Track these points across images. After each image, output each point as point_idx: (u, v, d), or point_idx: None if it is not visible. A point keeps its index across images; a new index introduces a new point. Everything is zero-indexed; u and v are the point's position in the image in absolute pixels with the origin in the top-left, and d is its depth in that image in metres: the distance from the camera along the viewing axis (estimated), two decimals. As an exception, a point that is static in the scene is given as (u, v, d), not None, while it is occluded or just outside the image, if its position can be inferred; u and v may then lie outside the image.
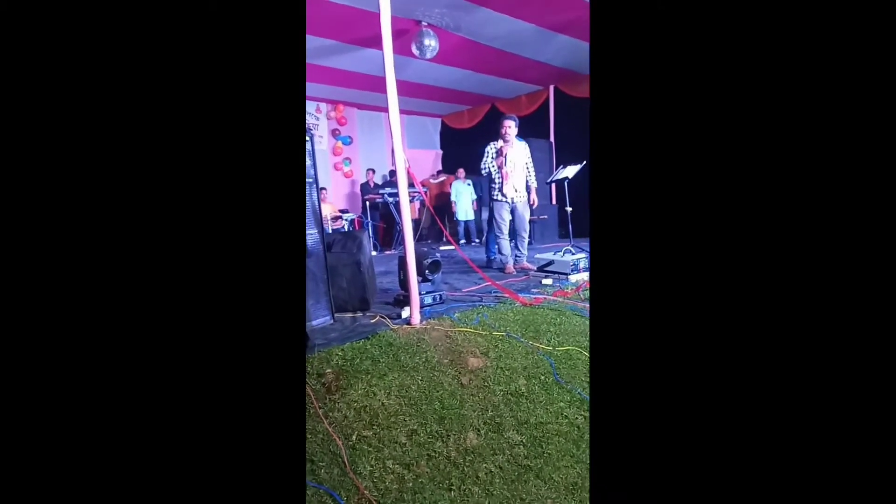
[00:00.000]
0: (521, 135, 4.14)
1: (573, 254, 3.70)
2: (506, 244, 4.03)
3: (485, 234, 4.42)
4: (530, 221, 4.33)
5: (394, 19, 2.48)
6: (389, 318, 2.62)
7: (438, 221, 4.35)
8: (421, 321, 2.54)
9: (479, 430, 1.69)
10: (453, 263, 4.57)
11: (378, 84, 2.75)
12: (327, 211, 6.14)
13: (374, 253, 5.32)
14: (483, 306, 2.86)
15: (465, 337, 2.36)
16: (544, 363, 2.14)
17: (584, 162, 4.31)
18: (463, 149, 7.99)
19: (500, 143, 3.96)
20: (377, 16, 2.40)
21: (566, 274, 3.58)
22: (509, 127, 3.89)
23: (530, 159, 4.11)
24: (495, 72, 6.14)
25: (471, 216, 7.08)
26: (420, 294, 2.65)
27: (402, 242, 2.64)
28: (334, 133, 7.83)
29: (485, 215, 7.03)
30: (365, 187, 7.23)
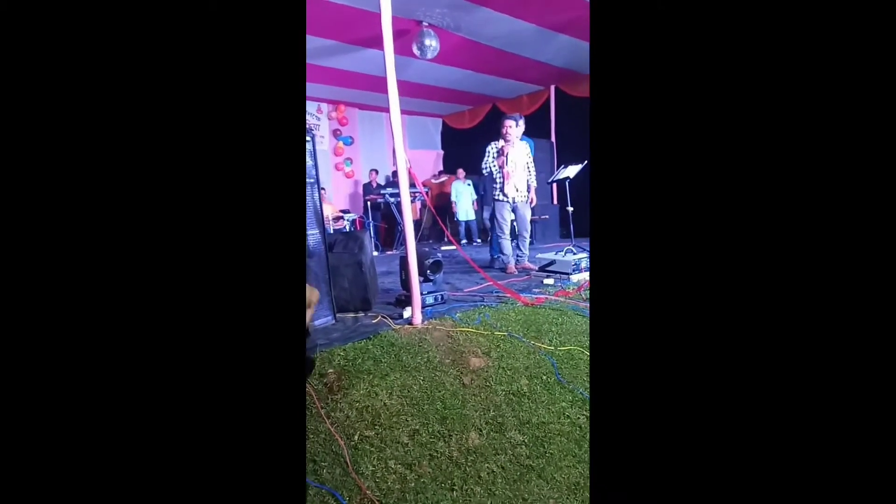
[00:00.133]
0: (523, 134, 4.14)
1: (574, 253, 3.70)
2: (507, 244, 4.03)
3: (490, 235, 4.42)
4: (531, 221, 4.33)
5: (394, 19, 2.48)
6: (391, 319, 2.62)
7: (440, 221, 4.35)
8: (422, 321, 2.55)
9: (481, 430, 1.69)
10: (455, 263, 4.57)
11: (379, 84, 2.75)
12: (328, 211, 6.15)
13: (375, 253, 5.32)
14: (485, 306, 2.86)
15: (466, 337, 2.36)
16: (546, 363, 2.14)
17: (586, 162, 4.31)
18: (464, 149, 7.99)
19: (500, 142, 3.96)
20: (378, 16, 2.41)
21: (568, 274, 3.57)
22: (510, 127, 3.89)
23: (531, 159, 4.10)
24: (496, 72, 6.14)
25: (471, 216, 7.08)
26: (422, 294, 2.66)
27: (403, 242, 2.64)
28: (335, 133, 7.84)
29: (486, 215, 7.04)
30: (367, 187, 7.24)
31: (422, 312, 2.59)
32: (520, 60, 5.66)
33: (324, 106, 7.61)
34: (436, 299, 2.90)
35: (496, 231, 4.07)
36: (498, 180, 3.98)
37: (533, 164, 4.10)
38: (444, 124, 9.02)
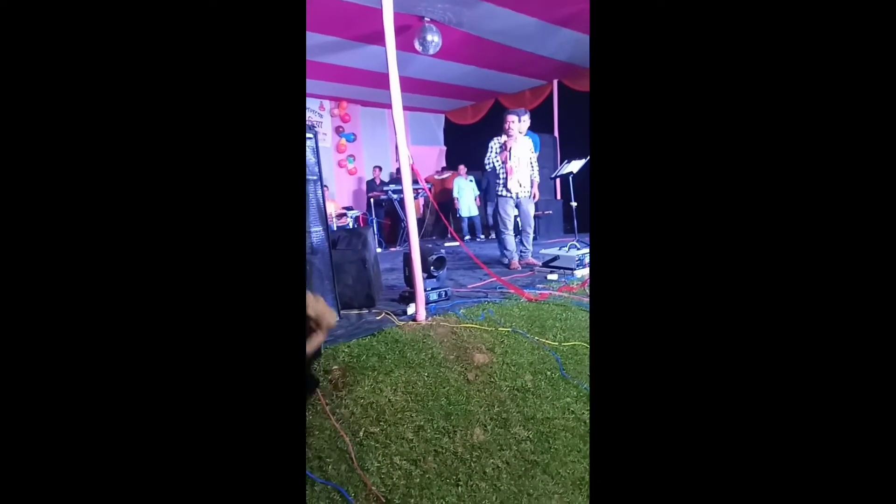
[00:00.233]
0: (528, 129, 4.12)
1: (578, 249, 3.69)
2: (510, 240, 4.02)
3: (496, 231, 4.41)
4: (535, 217, 4.32)
5: (396, 15, 2.47)
6: (395, 315, 2.62)
7: (443, 218, 4.35)
8: (426, 317, 2.55)
9: (485, 426, 1.69)
10: (458, 260, 4.57)
11: (381, 80, 2.74)
12: (331, 208, 6.16)
13: (379, 250, 5.33)
14: (488, 302, 2.86)
15: (470, 333, 2.36)
16: (550, 359, 2.13)
17: (589, 157, 4.29)
18: (467, 145, 7.98)
19: (503, 137, 3.94)
20: (380, 12, 2.40)
21: (571, 269, 3.57)
22: (513, 122, 3.87)
23: (534, 154, 4.09)
24: (498, 67, 6.11)
25: (474, 212, 7.07)
26: (425, 290, 2.66)
27: (406, 239, 2.64)
28: (338, 130, 7.84)
29: (489, 211, 7.03)
30: (371, 184, 7.24)
31: (426, 309, 2.59)
32: (522, 55, 5.63)
33: (326, 103, 7.61)
34: (439, 296, 2.90)
35: (499, 227, 4.05)
36: (501, 176, 3.96)
37: (536, 160, 4.08)
38: (447, 120, 9.00)
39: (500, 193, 3.99)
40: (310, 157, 2.50)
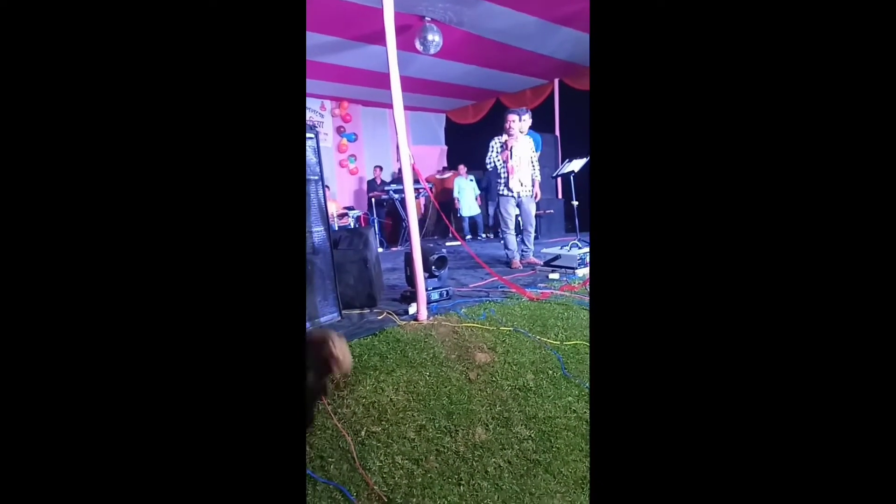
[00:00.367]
0: (530, 128, 4.12)
1: (580, 248, 3.68)
2: (512, 239, 4.02)
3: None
4: (536, 216, 4.31)
5: (397, 15, 2.47)
6: (396, 315, 2.63)
7: (444, 217, 4.34)
8: (428, 317, 2.55)
9: (487, 425, 1.69)
10: (459, 259, 4.56)
11: (382, 80, 2.74)
12: (332, 208, 6.16)
13: (380, 249, 5.33)
14: (490, 301, 2.86)
15: (472, 332, 2.36)
16: (552, 358, 2.13)
17: (590, 156, 4.27)
18: (468, 144, 7.98)
19: (504, 137, 3.94)
20: (380, 11, 2.40)
21: (573, 268, 3.57)
22: (513, 121, 3.87)
23: (535, 153, 4.08)
24: (499, 66, 6.11)
25: (475, 211, 7.07)
26: (427, 290, 2.66)
27: (408, 239, 2.65)
28: (339, 130, 7.84)
29: (490, 211, 7.04)
30: (372, 184, 7.24)
31: (427, 308, 2.59)
32: (523, 54, 5.63)
33: (327, 103, 7.62)
34: (441, 295, 2.90)
35: (501, 226, 4.05)
36: (502, 175, 3.96)
37: (537, 159, 4.08)
38: (448, 120, 9.00)
39: (501, 193, 3.99)
40: (311, 156, 2.50)
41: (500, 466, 1.49)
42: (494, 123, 4.63)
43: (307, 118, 7.06)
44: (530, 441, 1.60)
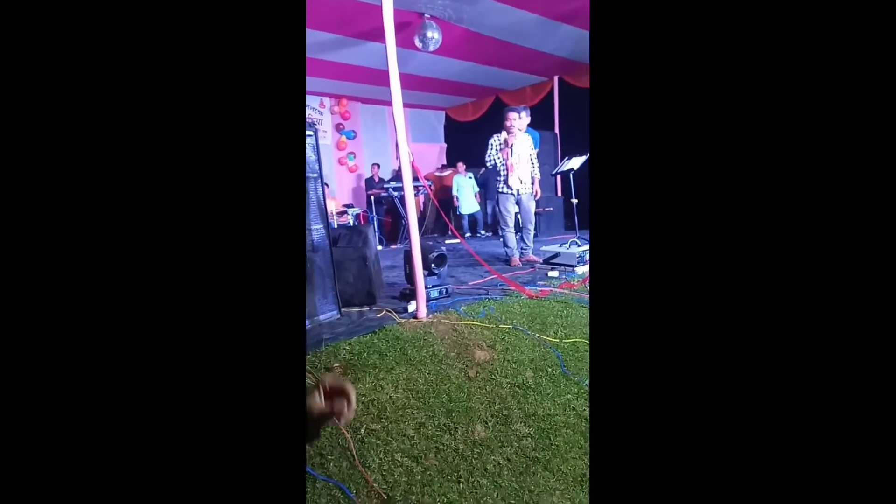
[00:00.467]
0: (528, 126, 4.12)
1: (579, 246, 3.69)
2: (511, 237, 4.02)
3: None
4: (535, 214, 4.31)
5: (396, 12, 2.47)
6: (396, 312, 2.63)
7: (443, 215, 4.34)
8: (427, 315, 2.55)
9: (486, 423, 1.69)
10: (459, 257, 4.57)
11: (381, 78, 2.74)
12: (331, 206, 6.15)
13: (379, 247, 5.33)
14: (489, 299, 2.87)
15: (471, 330, 2.36)
16: (551, 355, 2.14)
17: (589, 153, 4.28)
18: (468, 141, 7.97)
19: (503, 134, 3.94)
20: (380, 9, 2.39)
21: (572, 266, 3.57)
22: (514, 119, 3.87)
23: (534, 151, 4.08)
24: (499, 63, 6.10)
25: (475, 208, 7.07)
26: (426, 288, 2.66)
27: (407, 237, 2.64)
28: (338, 128, 7.83)
29: (489, 209, 7.04)
30: (370, 182, 7.24)
31: (426, 306, 2.59)
32: (523, 51, 5.62)
33: (326, 100, 7.60)
34: (440, 293, 2.90)
35: (500, 224, 4.05)
36: (502, 173, 3.95)
37: (536, 156, 4.08)
38: (448, 117, 8.99)
39: (500, 190, 3.99)
40: (310, 154, 2.50)
41: (499, 464, 1.49)
42: (494, 121, 4.63)
43: (306, 116, 7.05)
44: (529, 438, 1.61)
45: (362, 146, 8.18)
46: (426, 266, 2.78)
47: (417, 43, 4.69)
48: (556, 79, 7.03)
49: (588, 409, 1.76)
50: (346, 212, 6.69)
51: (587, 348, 2.20)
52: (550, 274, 3.49)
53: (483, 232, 7.06)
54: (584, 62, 6.14)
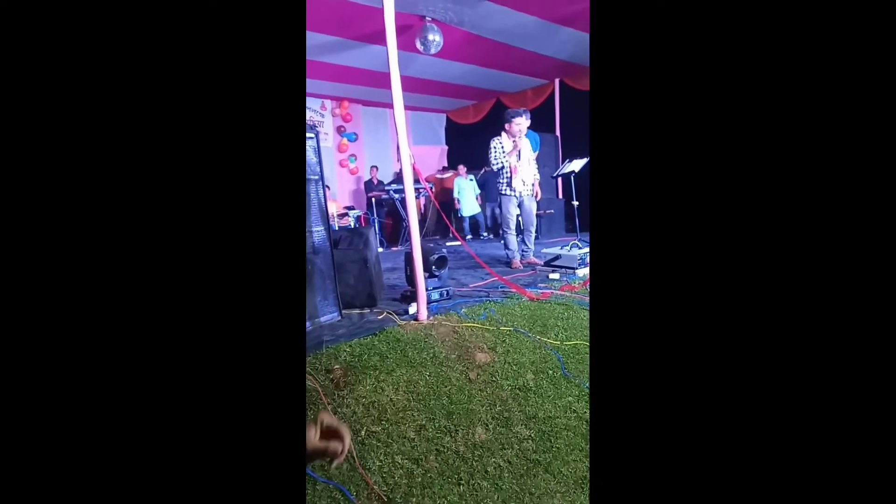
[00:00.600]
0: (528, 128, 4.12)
1: (580, 248, 3.68)
2: (513, 239, 4.02)
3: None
4: (536, 216, 4.32)
5: (397, 15, 2.47)
6: (397, 314, 2.63)
7: (444, 217, 4.34)
8: (428, 317, 2.55)
9: (487, 425, 1.69)
10: (460, 259, 4.57)
11: (383, 80, 2.74)
12: (332, 208, 6.16)
13: (380, 249, 5.33)
14: (490, 301, 2.86)
15: (472, 332, 2.36)
16: (552, 358, 2.13)
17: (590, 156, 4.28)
18: (469, 144, 7.98)
19: (504, 136, 3.93)
20: (381, 11, 2.40)
21: (573, 268, 3.57)
22: (520, 123, 3.88)
23: (534, 154, 4.10)
24: (500, 66, 6.11)
25: (476, 210, 7.08)
26: (427, 290, 2.66)
27: (408, 239, 2.65)
28: (339, 130, 7.84)
29: (487, 212, 7.04)
30: (369, 184, 7.24)
31: (427, 308, 2.59)
32: (524, 54, 5.63)
33: (327, 103, 7.61)
34: (441, 295, 2.90)
35: (502, 226, 4.04)
36: (506, 175, 3.93)
37: (534, 158, 4.09)
38: (449, 119, 9.00)
39: (504, 192, 3.97)
40: (311, 156, 2.50)
41: (499, 466, 1.49)
42: (495, 123, 4.64)
43: (307, 118, 7.06)
44: (530, 441, 1.60)
45: (363, 148, 8.19)
46: (427, 268, 2.78)
47: (419, 45, 4.70)
48: (556, 81, 7.04)
49: (589, 412, 1.76)
50: (347, 214, 6.69)
51: (588, 350, 2.20)
52: (551, 276, 3.49)
53: (486, 234, 7.06)
54: (585, 65, 6.14)
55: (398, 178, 6.57)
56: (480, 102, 8.07)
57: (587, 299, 2.83)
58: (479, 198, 7.12)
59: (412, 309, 2.64)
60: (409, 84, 4.83)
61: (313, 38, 4.63)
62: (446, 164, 8.77)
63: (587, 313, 2.63)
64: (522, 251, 4.10)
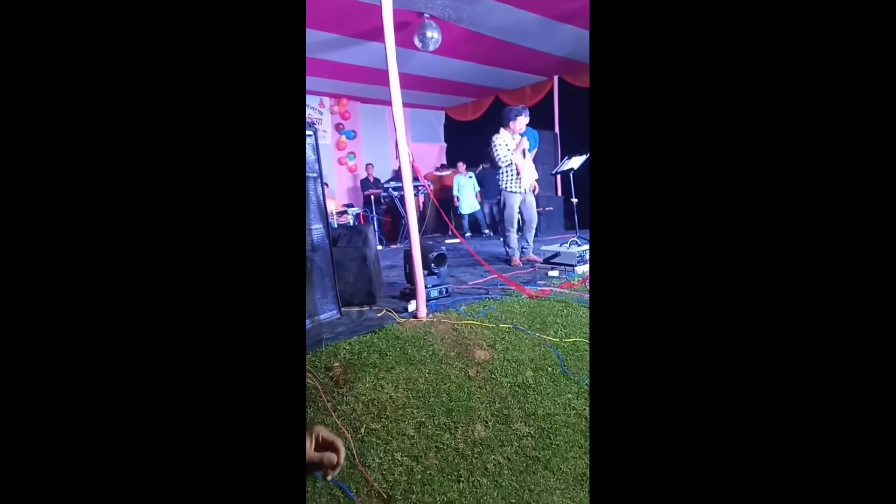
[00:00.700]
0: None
1: (579, 245, 3.69)
2: (515, 237, 4.01)
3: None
4: (536, 213, 4.32)
5: (396, 11, 2.46)
6: (396, 312, 2.63)
7: (444, 215, 4.34)
8: (427, 314, 2.55)
9: (486, 422, 1.69)
10: (459, 257, 4.57)
11: (381, 77, 2.74)
12: (331, 206, 6.15)
13: (379, 247, 5.33)
14: (489, 299, 2.87)
15: (471, 329, 2.36)
16: (551, 355, 2.14)
17: (590, 153, 4.28)
18: (467, 141, 7.97)
19: (505, 133, 3.92)
20: (379, 8, 2.39)
21: (572, 265, 3.57)
22: (523, 121, 3.87)
23: (532, 151, 4.10)
24: (499, 63, 6.10)
25: (475, 208, 7.08)
26: (426, 287, 2.66)
27: (407, 236, 2.64)
28: (338, 127, 7.82)
29: (486, 209, 7.03)
30: (365, 182, 7.23)
31: (426, 306, 2.59)
32: (523, 51, 5.62)
33: (326, 100, 7.59)
34: (440, 292, 2.90)
35: (506, 224, 4.00)
36: (509, 172, 3.91)
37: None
38: (447, 117, 8.98)
39: (511, 190, 3.93)
40: (310, 154, 2.50)
41: (499, 463, 1.50)
42: (494, 120, 4.63)
43: (306, 115, 7.04)
44: (530, 438, 1.61)
45: (362, 146, 8.17)
46: (426, 266, 2.78)
47: (417, 42, 4.68)
48: (555, 78, 7.03)
49: (588, 409, 1.76)
50: (345, 211, 6.69)
51: (587, 347, 2.20)
52: (550, 273, 3.49)
53: (487, 231, 7.04)
54: (584, 62, 6.13)
55: (397, 175, 6.56)
56: (479, 99, 8.06)
57: (586, 296, 2.84)
58: (478, 195, 7.11)
59: (411, 306, 2.64)
60: (407, 81, 4.82)
61: (311, 36, 4.62)
62: (445, 162, 8.76)
63: (586, 310, 2.63)
64: (522, 247, 4.09)
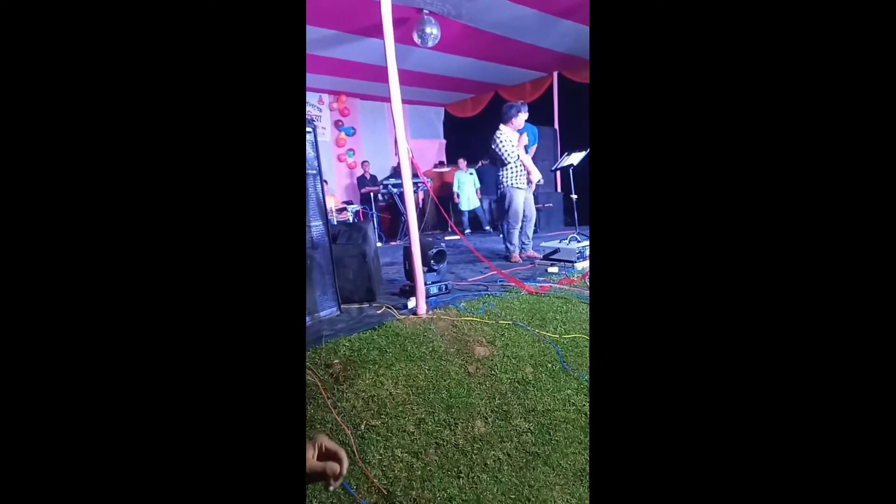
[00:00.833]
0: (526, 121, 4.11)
1: (579, 241, 3.69)
2: (516, 234, 4.01)
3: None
4: (536, 209, 4.31)
5: (394, 7, 2.45)
6: (396, 309, 2.63)
7: (443, 211, 4.33)
8: (427, 311, 2.55)
9: (486, 419, 1.70)
10: (458, 253, 4.56)
11: (380, 74, 2.73)
12: (330, 203, 6.14)
13: (379, 244, 5.32)
14: (489, 295, 2.87)
15: (471, 326, 2.37)
16: (551, 351, 2.14)
17: (590, 149, 4.28)
18: (467, 137, 7.96)
19: (506, 128, 3.90)
20: (378, 4, 2.38)
21: (572, 262, 3.57)
22: (524, 117, 3.87)
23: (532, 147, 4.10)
24: (498, 59, 6.08)
25: (476, 204, 7.07)
26: (426, 284, 2.66)
27: (407, 233, 2.64)
28: (337, 124, 7.80)
29: (484, 205, 7.02)
30: (361, 179, 7.21)
31: (426, 302, 2.60)
32: (522, 47, 5.60)
33: (325, 97, 7.57)
34: (440, 289, 2.90)
35: (510, 220, 3.97)
36: (514, 168, 3.88)
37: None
38: (447, 113, 8.96)
39: (517, 185, 3.90)
40: (309, 151, 2.49)
41: (499, 459, 1.50)
42: (493, 117, 4.62)
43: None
44: (529, 434, 1.61)
45: (361, 143, 8.15)
46: (426, 262, 2.78)
47: (416, 39, 4.67)
48: (555, 74, 7.01)
49: (588, 405, 1.76)
50: (345, 208, 6.68)
51: (587, 344, 2.20)
52: (550, 270, 3.49)
53: (488, 228, 7.03)
54: (584, 57, 6.11)
55: (396, 172, 6.55)
56: (478, 96, 8.04)
57: (586, 293, 2.84)
58: (478, 192, 7.10)
59: (411, 303, 2.64)
60: (406, 78, 4.81)
61: (310, 32, 4.60)
62: (444, 159, 8.75)
63: (586, 307, 2.63)
64: (522, 243, 4.09)
